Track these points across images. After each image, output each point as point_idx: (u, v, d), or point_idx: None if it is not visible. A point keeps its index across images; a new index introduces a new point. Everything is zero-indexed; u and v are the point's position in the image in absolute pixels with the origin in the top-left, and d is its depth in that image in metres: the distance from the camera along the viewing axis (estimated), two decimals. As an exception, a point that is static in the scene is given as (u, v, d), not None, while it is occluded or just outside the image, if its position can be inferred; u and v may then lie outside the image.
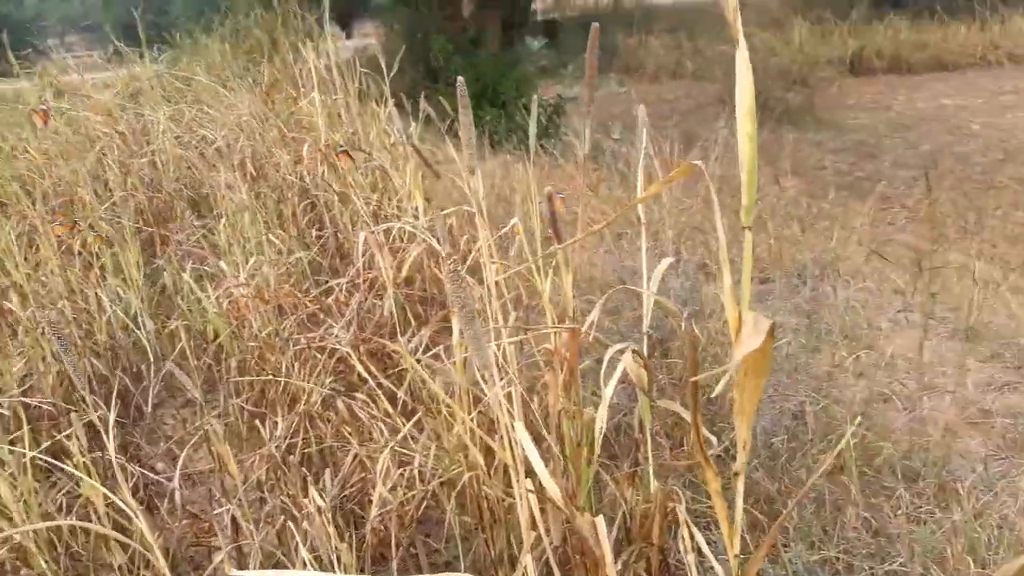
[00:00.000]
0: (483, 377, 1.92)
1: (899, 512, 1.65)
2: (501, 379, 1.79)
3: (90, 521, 1.98)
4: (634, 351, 1.29)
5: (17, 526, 1.80)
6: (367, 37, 13.59)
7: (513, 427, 1.23)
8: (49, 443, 2.18)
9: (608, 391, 1.27)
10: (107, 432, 2.27)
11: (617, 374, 1.29)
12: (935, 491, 1.75)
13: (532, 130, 1.65)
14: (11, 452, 1.81)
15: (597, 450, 1.37)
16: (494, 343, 1.35)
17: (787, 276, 2.81)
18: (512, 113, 8.19)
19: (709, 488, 0.93)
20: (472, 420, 1.72)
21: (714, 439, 1.30)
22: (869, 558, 1.57)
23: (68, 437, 1.88)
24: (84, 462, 1.78)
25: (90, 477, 1.88)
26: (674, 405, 1.35)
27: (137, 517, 1.37)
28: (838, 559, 1.56)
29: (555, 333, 1.81)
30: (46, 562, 1.86)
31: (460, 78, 1.29)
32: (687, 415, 1.32)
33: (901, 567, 1.53)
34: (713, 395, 1.00)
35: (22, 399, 2.49)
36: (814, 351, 2.26)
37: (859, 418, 1.74)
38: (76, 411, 2.71)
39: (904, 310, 2.65)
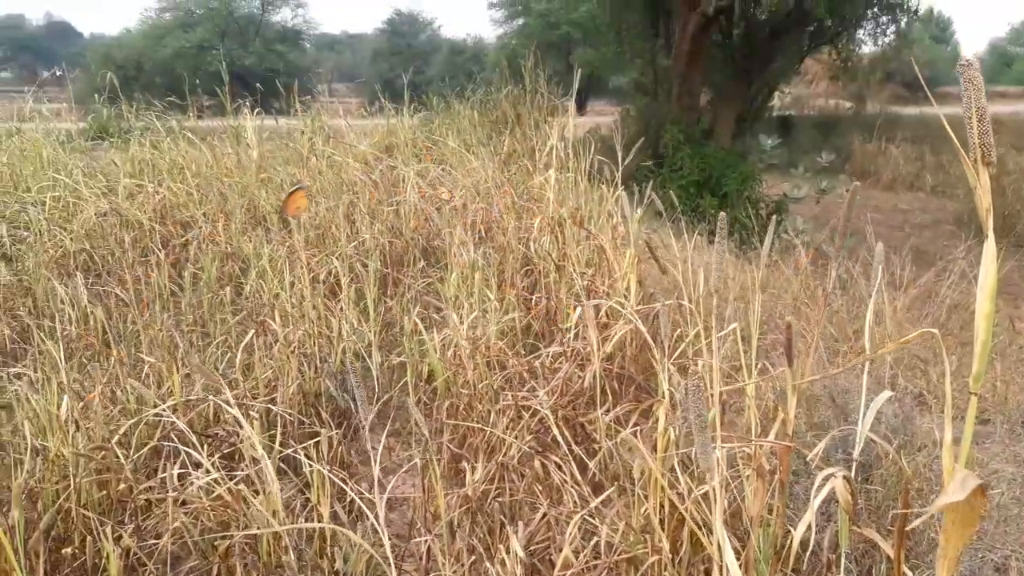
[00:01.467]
0: (677, 465, 2.01)
1: None
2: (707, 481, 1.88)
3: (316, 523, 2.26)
4: (845, 477, 1.33)
5: (260, 515, 2.10)
6: (600, 115, 14.16)
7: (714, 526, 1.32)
8: (292, 449, 2.49)
9: (813, 506, 1.32)
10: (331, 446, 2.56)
11: (823, 493, 1.33)
12: None
13: (769, 237, 1.74)
14: (265, 451, 2.12)
15: (791, 562, 1.41)
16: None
17: (1009, 422, 2.64)
18: (733, 206, 8.20)
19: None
20: (664, 504, 1.81)
21: (911, 574, 1.30)
22: None
23: (315, 445, 2.17)
24: (321, 471, 2.05)
25: (322, 486, 2.17)
26: (873, 534, 1.36)
27: (378, 524, 1.58)
28: None
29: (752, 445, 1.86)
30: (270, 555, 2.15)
31: (722, 214, 1.42)
32: (884, 544, 1.34)
33: None
34: (909, 527, 1.03)
35: (268, 405, 2.87)
36: (1031, 507, 2.12)
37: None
38: (306, 422, 3.09)
39: None
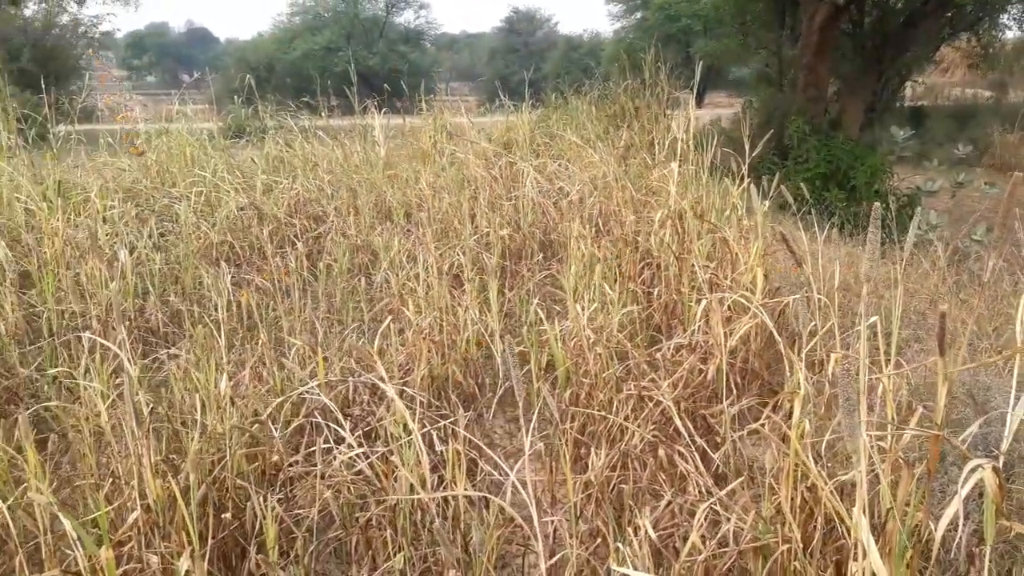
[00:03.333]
0: (820, 454, 1.99)
1: None
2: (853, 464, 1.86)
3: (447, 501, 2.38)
4: (994, 468, 1.31)
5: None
6: (718, 107, 13.88)
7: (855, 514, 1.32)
8: (432, 428, 2.61)
9: (959, 496, 1.30)
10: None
11: (970, 483, 1.31)
12: None
13: (910, 238, 1.70)
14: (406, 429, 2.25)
15: (934, 554, 1.39)
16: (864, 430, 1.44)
17: None
18: (862, 199, 7.88)
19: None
20: (795, 495, 1.80)
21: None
22: None
23: (454, 423, 2.27)
24: (458, 449, 2.16)
25: (457, 465, 2.27)
26: (1021, 527, 1.33)
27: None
28: None
29: (895, 436, 1.83)
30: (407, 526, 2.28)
31: (877, 204, 1.42)
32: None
33: None
34: None
35: (403, 387, 3.02)
36: None
37: None
38: (437, 404, 3.22)
39: None
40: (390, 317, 3.29)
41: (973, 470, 1.30)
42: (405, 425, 2.42)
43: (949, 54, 17.78)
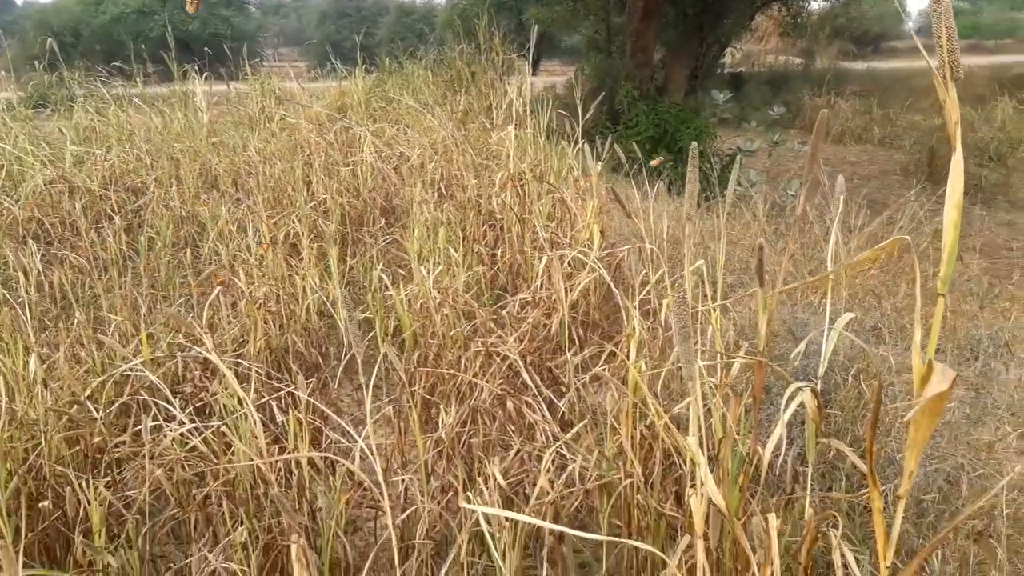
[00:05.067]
0: (656, 393, 2.07)
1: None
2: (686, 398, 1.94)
3: (290, 472, 2.29)
4: (812, 390, 1.40)
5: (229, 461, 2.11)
6: (552, 75, 14.13)
7: (687, 440, 1.37)
8: (263, 400, 2.51)
9: (783, 419, 1.38)
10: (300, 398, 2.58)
11: (791, 408, 1.40)
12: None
13: (732, 183, 1.78)
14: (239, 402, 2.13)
15: (763, 475, 1.48)
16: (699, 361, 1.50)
17: (959, 349, 2.77)
18: (688, 161, 8.28)
19: (872, 505, 1.03)
20: (634, 431, 1.87)
21: (865, 468, 1.37)
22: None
23: (291, 393, 2.18)
24: (299, 417, 2.07)
25: (300, 431, 2.19)
26: (840, 444, 1.44)
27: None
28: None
29: (723, 369, 1.93)
30: (250, 495, 2.17)
31: (694, 143, 1.46)
32: (851, 454, 1.42)
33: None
34: (906, 419, 1.10)
35: (238, 360, 2.87)
36: (977, 423, 2.24)
37: (1015, 491, 1.74)
38: (278, 376, 3.09)
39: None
40: (218, 289, 3.10)
41: (794, 393, 1.39)
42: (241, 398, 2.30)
43: (764, 23, 19.01)
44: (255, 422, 1.95)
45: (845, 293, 2.89)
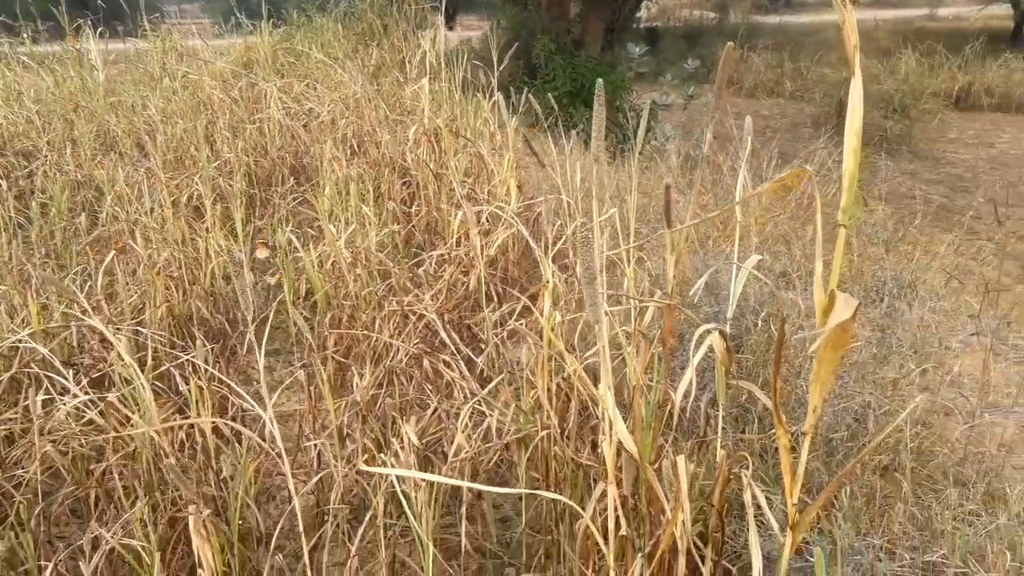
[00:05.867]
0: (573, 345, 2.04)
1: (946, 511, 1.70)
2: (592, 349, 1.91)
3: (195, 442, 2.19)
4: (720, 331, 1.39)
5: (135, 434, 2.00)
6: (469, 29, 13.86)
7: (600, 388, 1.35)
8: (161, 368, 2.39)
9: (693, 362, 1.37)
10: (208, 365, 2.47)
11: (702, 351, 1.38)
12: (984, 496, 1.80)
13: (641, 131, 1.75)
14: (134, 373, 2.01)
15: (675, 420, 1.47)
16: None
17: (866, 291, 2.84)
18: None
19: (779, 443, 1.03)
20: (551, 384, 1.84)
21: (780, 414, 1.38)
22: (912, 549, 1.63)
23: (184, 364, 2.07)
24: (201, 385, 1.97)
25: (201, 400, 2.08)
26: (750, 385, 1.44)
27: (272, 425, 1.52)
28: (882, 547, 1.62)
29: (637, 315, 1.92)
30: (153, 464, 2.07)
31: (600, 80, 1.41)
32: (759, 393, 1.41)
33: (942, 559, 1.59)
34: (810, 351, 1.09)
35: (137, 328, 2.72)
36: (883, 362, 2.30)
37: (919, 425, 1.79)
38: (181, 344, 2.96)
39: (976, 333, 2.66)
40: (112, 254, 2.93)
41: (704, 336, 1.38)
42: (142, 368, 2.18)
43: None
44: (147, 391, 1.84)
45: (756, 240, 2.92)
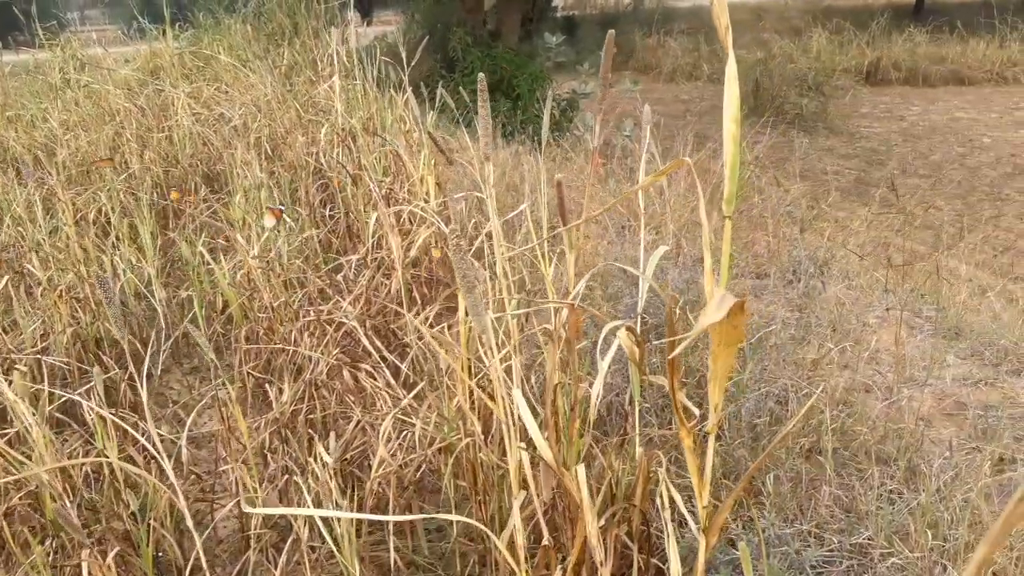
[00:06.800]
0: (485, 351, 2.00)
1: (870, 491, 1.72)
2: (501, 350, 1.87)
3: (102, 473, 2.08)
4: (628, 328, 1.36)
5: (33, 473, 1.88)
6: (386, 24, 13.67)
7: (510, 393, 1.31)
8: (64, 399, 2.26)
9: (604, 363, 1.34)
10: (118, 391, 2.36)
11: (613, 349, 1.36)
12: (905, 473, 1.83)
13: (545, 122, 1.71)
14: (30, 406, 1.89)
15: (591, 420, 1.45)
16: (494, 316, 1.43)
17: (783, 272, 2.88)
18: (526, 106, 8.26)
19: (683, 444, 1.01)
20: (472, 390, 1.80)
21: (696, 410, 1.37)
22: (839, 532, 1.65)
23: (87, 393, 1.96)
24: (102, 415, 1.86)
25: (104, 431, 1.97)
26: (662, 380, 1.42)
27: (162, 460, 1.44)
28: (810, 533, 1.64)
29: (555, 313, 1.89)
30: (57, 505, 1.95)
31: (481, 74, 1.36)
32: (675, 390, 1.40)
33: (868, 540, 1.61)
34: (681, 366, 1.07)
35: (39, 356, 2.57)
36: (802, 342, 2.33)
37: (840, 405, 1.81)
38: (89, 371, 2.81)
39: (892, 308, 2.72)
40: (6, 278, 2.76)
41: (611, 332, 1.35)
42: (38, 400, 2.06)
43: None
44: (31, 428, 1.73)
45: (672, 226, 2.94)
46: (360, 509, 1.89)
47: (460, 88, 4.34)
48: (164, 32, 7.42)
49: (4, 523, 1.88)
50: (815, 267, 2.79)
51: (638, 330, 1.56)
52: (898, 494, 1.76)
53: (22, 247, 3.57)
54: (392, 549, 1.80)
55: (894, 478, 1.81)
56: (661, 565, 1.60)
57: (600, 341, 1.34)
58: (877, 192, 4.05)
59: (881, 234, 3.63)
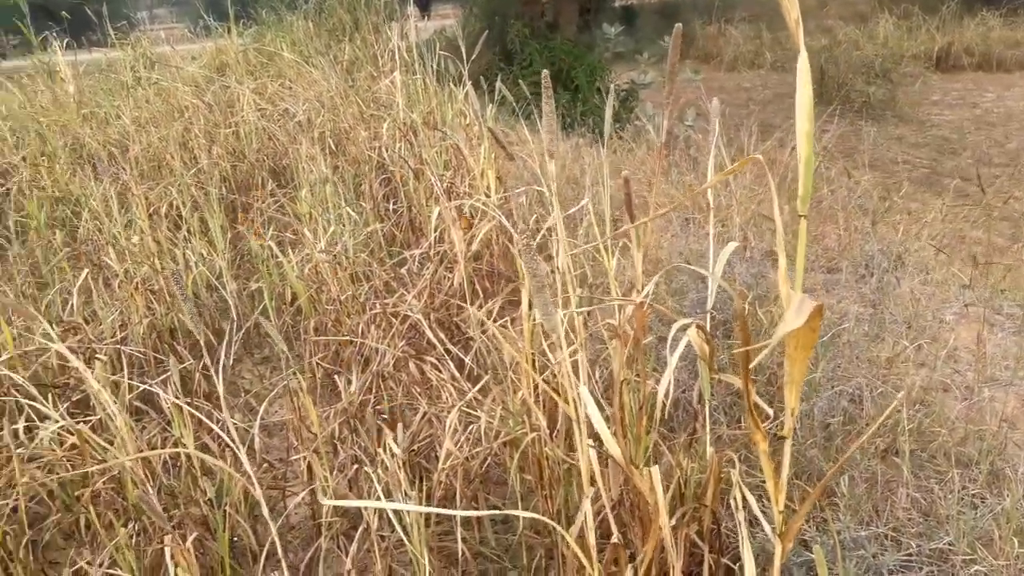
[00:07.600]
0: (549, 347, 2.01)
1: (950, 495, 1.67)
2: (568, 346, 1.88)
3: (179, 460, 2.15)
4: (698, 325, 1.35)
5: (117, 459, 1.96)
6: (445, 18, 13.73)
7: (578, 390, 1.31)
8: (142, 388, 2.34)
9: (672, 361, 1.34)
10: (192, 381, 2.44)
11: (681, 347, 1.35)
12: (987, 477, 1.77)
13: (608, 115, 1.70)
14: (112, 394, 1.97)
15: (657, 417, 1.44)
16: (562, 312, 1.43)
17: (855, 266, 2.81)
18: (585, 98, 8.21)
19: (758, 448, 0.99)
20: (536, 384, 1.81)
21: (769, 410, 1.35)
22: (917, 536, 1.60)
23: (164, 382, 2.03)
24: (179, 404, 1.93)
25: (181, 420, 2.04)
26: (734, 378, 1.40)
27: (237, 450, 1.49)
28: (887, 536, 1.60)
29: (620, 309, 1.88)
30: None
31: (545, 71, 1.36)
32: (739, 383, 1.38)
33: (948, 546, 1.57)
34: (754, 364, 1.05)
35: (118, 346, 2.67)
36: (876, 339, 2.28)
37: (917, 404, 1.77)
38: (165, 360, 2.91)
39: (970, 304, 2.63)
40: (85, 273, 2.87)
41: (681, 330, 1.34)
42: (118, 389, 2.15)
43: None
44: (113, 416, 1.80)
45: (739, 220, 2.89)
46: (428, 500, 1.92)
47: (519, 80, 4.35)
48: (229, 29, 7.61)
49: (91, 506, 1.97)
50: (889, 261, 2.71)
51: (707, 325, 1.55)
52: (980, 499, 1.70)
53: (100, 241, 3.72)
54: (460, 540, 1.83)
55: (976, 482, 1.76)
56: (731, 565, 1.58)
57: (670, 339, 1.33)
58: (951, 182, 3.91)
59: (957, 226, 3.51)
